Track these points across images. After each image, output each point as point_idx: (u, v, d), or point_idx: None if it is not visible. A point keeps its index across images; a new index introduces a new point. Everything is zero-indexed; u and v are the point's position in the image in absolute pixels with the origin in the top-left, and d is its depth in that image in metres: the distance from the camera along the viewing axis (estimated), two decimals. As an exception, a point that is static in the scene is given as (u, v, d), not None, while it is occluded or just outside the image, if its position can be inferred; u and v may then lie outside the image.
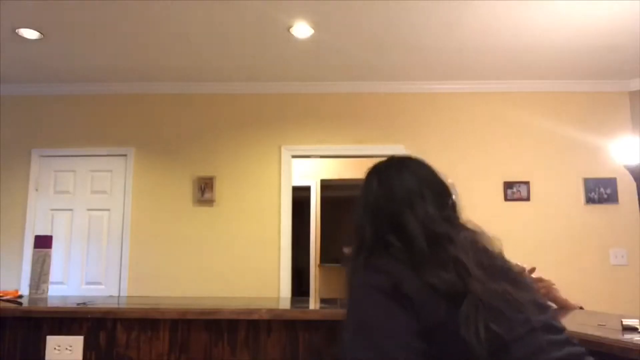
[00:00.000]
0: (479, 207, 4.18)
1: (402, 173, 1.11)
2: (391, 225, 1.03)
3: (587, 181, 4.20)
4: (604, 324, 1.22)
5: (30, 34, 3.41)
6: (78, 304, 1.65)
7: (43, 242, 2.14)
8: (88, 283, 4.19)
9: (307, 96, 4.39)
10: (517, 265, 1.69)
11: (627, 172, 3.86)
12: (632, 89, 4.29)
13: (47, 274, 2.10)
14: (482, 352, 0.82)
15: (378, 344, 0.84)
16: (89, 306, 1.61)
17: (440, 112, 4.36)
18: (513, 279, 0.97)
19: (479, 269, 0.92)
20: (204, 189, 4.24)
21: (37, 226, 4.25)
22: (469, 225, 1.07)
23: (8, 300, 1.74)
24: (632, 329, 1.08)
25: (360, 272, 0.97)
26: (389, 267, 0.94)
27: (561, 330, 0.95)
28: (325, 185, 6.03)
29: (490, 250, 1.02)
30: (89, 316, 1.57)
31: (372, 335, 0.86)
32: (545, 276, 1.69)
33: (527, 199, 4.20)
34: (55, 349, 1.56)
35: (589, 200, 4.18)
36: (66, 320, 1.58)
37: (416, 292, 0.88)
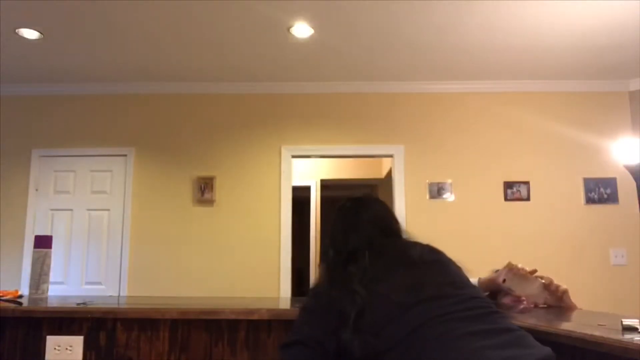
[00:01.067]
0: (479, 207, 4.18)
1: (344, 215, 1.40)
2: (327, 255, 1.35)
3: (587, 181, 4.20)
4: (604, 324, 1.22)
5: (30, 34, 3.41)
6: (78, 304, 1.65)
7: (43, 242, 2.14)
8: (88, 283, 4.19)
9: (307, 96, 4.39)
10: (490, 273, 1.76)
11: (627, 172, 3.86)
12: (632, 89, 4.29)
13: (47, 274, 2.10)
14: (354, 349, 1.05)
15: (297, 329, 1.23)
16: (89, 306, 1.61)
17: (440, 112, 4.35)
18: (427, 266, 1.20)
19: (382, 276, 1.18)
20: (204, 189, 4.24)
21: (37, 226, 4.25)
22: (405, 241, 1.35)
23: (8, 300, 1.74)
24: (632, 329, 1.08)
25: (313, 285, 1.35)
26: (317, 287, 1.30)
27: (457, 294, 1.11)
28: (325, 185, 6.02)
29: (410, 252, 1.25)
30: (89, 316, 1.57)
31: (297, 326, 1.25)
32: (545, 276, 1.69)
33: (527, 199, 4.20)
34: (55, 349, 1.56)
35: (589, 200, 4.18)
36: (66, 320, 1.58)
37: (326, 305, 1.20)
